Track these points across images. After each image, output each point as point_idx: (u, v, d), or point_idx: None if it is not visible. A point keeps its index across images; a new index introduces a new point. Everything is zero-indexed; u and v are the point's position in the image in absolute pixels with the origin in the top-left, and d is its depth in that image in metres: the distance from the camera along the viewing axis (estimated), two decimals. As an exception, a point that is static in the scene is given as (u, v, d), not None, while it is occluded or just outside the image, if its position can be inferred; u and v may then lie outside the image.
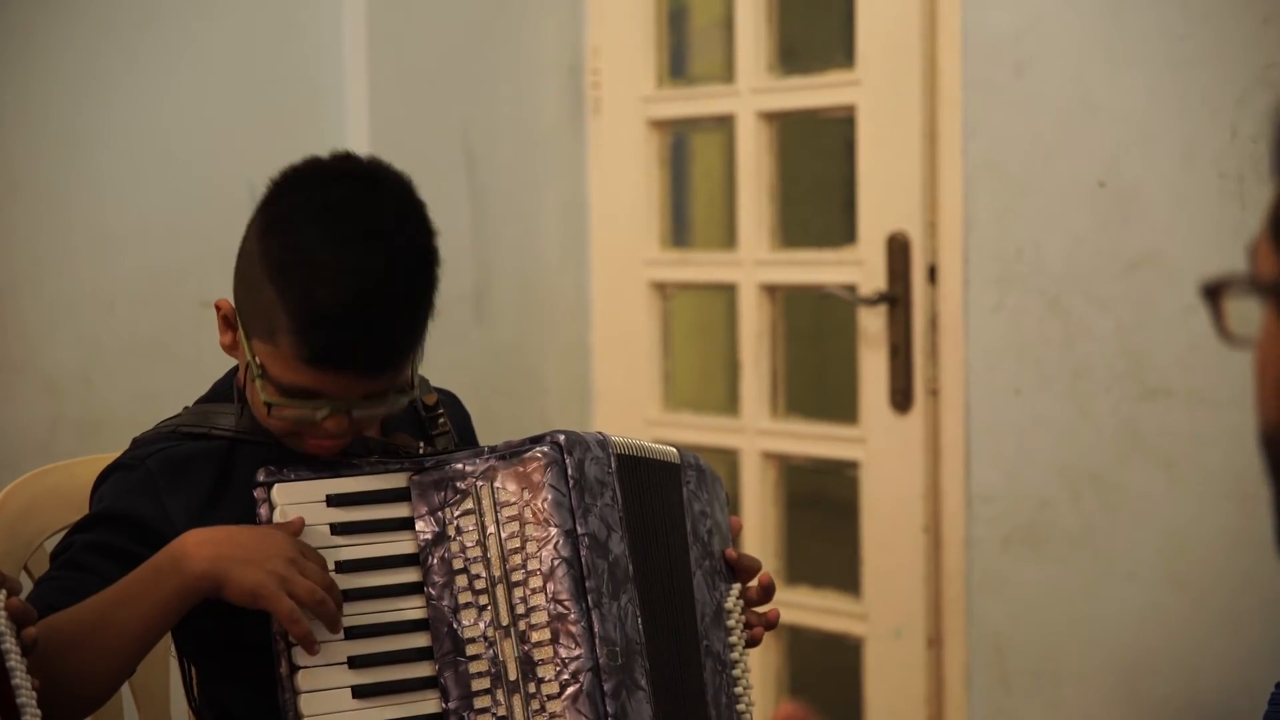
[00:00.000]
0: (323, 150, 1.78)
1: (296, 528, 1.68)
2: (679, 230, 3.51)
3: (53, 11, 2.96)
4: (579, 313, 3.51)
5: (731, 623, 1.89)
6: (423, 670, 1.72)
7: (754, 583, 1.91)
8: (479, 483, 1.72)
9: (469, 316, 3.36)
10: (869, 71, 2.99)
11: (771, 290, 3.23)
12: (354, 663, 1.68)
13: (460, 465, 1.74)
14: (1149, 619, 2.66)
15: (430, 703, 1.71)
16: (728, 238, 3.35)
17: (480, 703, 1.69)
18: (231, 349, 1.79)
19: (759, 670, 3.23)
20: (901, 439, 2.97)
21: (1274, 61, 2.48)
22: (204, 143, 3.09)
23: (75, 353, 2.98)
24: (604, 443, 1.78)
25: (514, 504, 1.71)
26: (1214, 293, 0.97)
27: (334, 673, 1.68)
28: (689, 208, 3.59)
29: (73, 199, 2.99)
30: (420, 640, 1.72)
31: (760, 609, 1.92)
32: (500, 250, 3.42)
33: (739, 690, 1.88)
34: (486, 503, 1.72)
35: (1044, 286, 2.76)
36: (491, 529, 1.71)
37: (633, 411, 3.43)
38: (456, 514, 1.72)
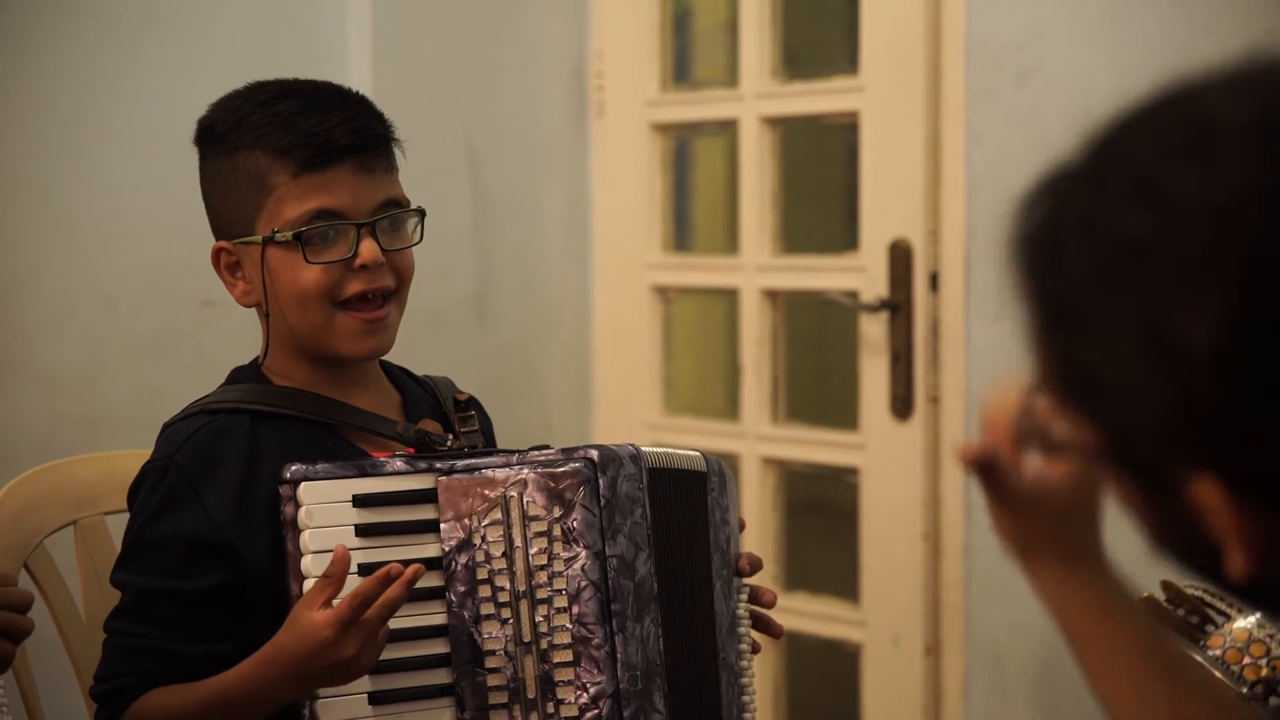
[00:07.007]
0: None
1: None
2: (681, 234, 3.50)
3: (55, 9, 2.95)
4: (580, 315, 3.50)
5: (742, 630, 1.88)
6: (440, 678, 1.70)
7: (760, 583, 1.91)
8: (509, 493, 1.69)
9: (470, 318, 3.36)
10: (873, 78, 2.99)
11: (773, 295, 3.23)
12: (372, 669, 1.66)
13: (490, 472, 1.70)
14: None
15: (446, 711, 1.70)
16: (730, 242, 3.35)
17: (497, 716, 1.68)
18: (247, 295, 1.80)
19: (757, 676, 3.22)
20: (902, 446, 2.97)
21: (1278, 72, 2.48)
22: (207, 142, 3.09)
23: (76, 350, 2.98)
24: (636, 457, 1.75)
25: (543, 519, 1.69)
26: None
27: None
28: (691, 212, 3.59)
29: (74, 196, 2.98)
30: (439, 647, 1.70)
31: (766, 611, 1.92)
32: (502, 252, 3.42)
33: (746, 699, 1.88)
34: (515, 514, 1.69)
35: (1046, 295, 2.75)
36: (519, 542, 1.69)
37: (633, 415, 3.43)
38: (484, 522, 1.69)
